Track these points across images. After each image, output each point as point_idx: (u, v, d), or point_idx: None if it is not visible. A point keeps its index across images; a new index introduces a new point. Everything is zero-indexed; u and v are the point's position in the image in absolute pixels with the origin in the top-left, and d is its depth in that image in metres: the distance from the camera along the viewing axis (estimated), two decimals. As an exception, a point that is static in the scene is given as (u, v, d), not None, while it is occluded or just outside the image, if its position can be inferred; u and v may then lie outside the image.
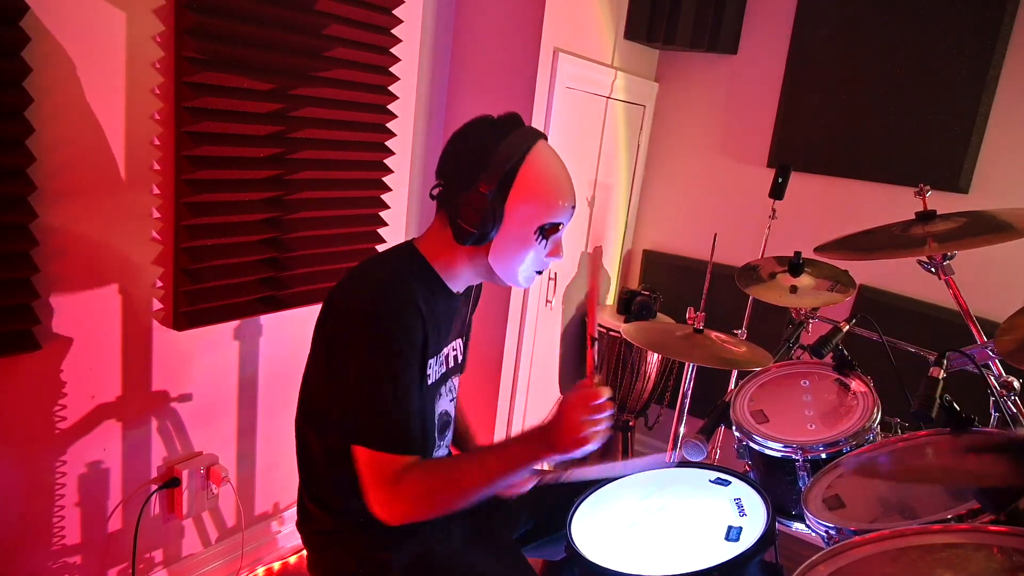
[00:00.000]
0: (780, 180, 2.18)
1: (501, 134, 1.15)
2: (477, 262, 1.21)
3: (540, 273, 1.26)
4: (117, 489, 1.75)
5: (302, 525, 1.31)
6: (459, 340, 1.34)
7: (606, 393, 1.10)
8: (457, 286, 1.26)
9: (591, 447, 1.09)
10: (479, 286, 1.42)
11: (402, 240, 2.33)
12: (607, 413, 1.10)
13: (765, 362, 1.73)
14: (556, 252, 1.23)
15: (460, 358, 1.36)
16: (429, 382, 1.20)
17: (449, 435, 1.35)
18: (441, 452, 1.32)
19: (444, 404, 1.30)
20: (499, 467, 1.11)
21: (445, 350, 1.26)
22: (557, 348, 2.72)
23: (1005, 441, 1.19)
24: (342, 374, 1.12)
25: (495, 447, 1.17)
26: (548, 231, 1.19)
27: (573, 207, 1.21)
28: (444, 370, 1.27)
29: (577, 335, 2.83)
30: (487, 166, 1.12)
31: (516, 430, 2.58)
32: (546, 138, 1.21)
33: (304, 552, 1.33)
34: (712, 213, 2.86)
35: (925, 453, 1.34)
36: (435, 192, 1.21)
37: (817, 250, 1.71)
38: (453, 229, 1.15)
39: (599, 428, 1.09)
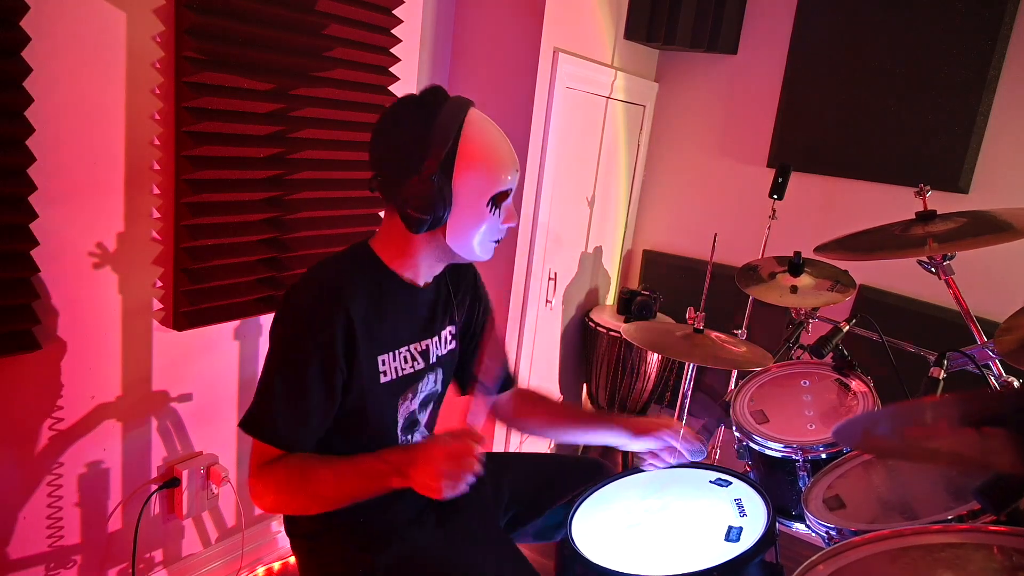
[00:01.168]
0: (780, 180, 2.18)
1: (431, 113, 1.11)
2: (434, 246, 1.20)
3: (498, 242, 1.24)
4: (117, 489, 1.75)
5: (289, 529, 1.31)
6: (439, 334, 1.30)
7: (479, 451, 1.07)
8: (420, 278, 1.24)
9: (445, 495, 1.04)
10: (465, 275, 1.38)
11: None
12: (471, 473, 1.05)
13: (765, 362, 1.73)
14: (510, 218, 1.22)
15: (443, 351, 1.32)
16: (384, 379, 1.19)
17: (418, 436, 1.32)
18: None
19: (412, 404, 1.28)
20: (352, 479, 1.11)
21: (410, 347, 1.24)
22: (557, 348, 2.72)
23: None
24: (264, 363, 1.14)
25: (355, 458, 1.12)
26: (499, 199, 1.17)
27: (517, 170, 1.19)
28: (414, 368, 1.25)
29: (577, 335, 2.83)
30: (426, 149, 1.09)
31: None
32: (473, 104, 1.17)
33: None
34: (712, 213, 2.86)
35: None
36: (374, 185, 1.17)
37: (817, 250, 1.71)
38: (405, 220, 1.12)
39: (457, 483, 1.04)
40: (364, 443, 1.18)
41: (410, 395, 1.27)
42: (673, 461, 1.37)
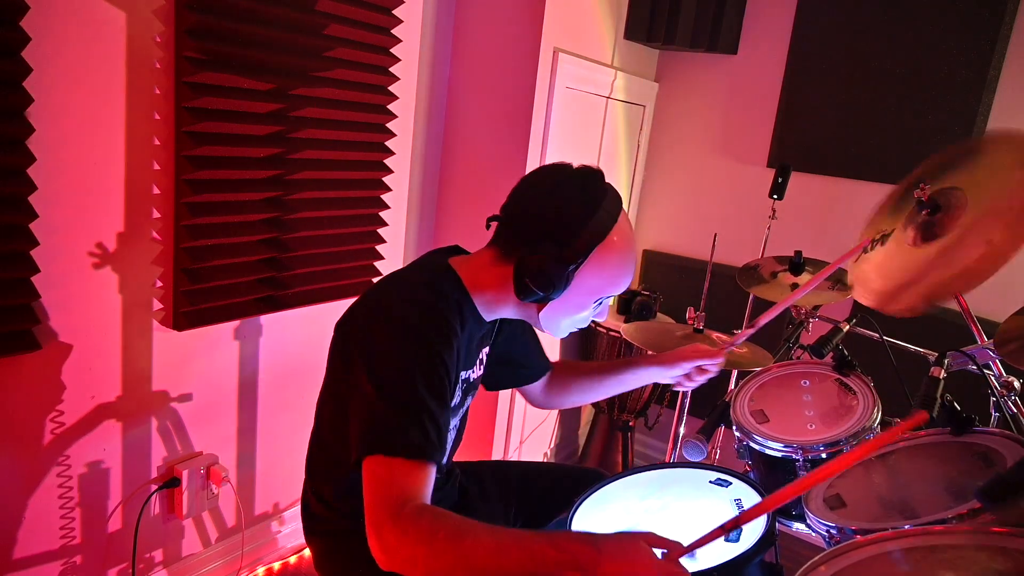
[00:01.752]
0: (780, 180, 2.18)
1: (591, 203, 1.09)
2: (523, 310, 1.19)
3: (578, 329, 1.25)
4: (117, 489, 1.75)
5: (308, 524, 1.31)
6: (475, 364, 1.30)
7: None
8: (489, 316, 1.22)
9: None
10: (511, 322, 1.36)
11: (399, 240, 2.35)
12: None
13: (765, 362, 1.73)
14: (602, 314, 1.24)
15: (477, 375, 1.33)
16: (453, 402, 1.17)
17: (448, 447, 1.32)
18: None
19: (455, 422, 1.29)
20: (515, 555, 0.90)
21: (464, 373, 1.24)
22: (557, 348, 2.72)
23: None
24: (373, 383, 1.02)
25: (522, 533, 0.94)
26: (605, 298, 1.19)
27: (632, 279, 1.20)
28: (461, 394, 1.24)
29: (577, 335, 2.83)
30: (574, 237, 1.08)
31: (515, 432, 2.58)
32: (622, 205, 1.16)
33: (305, 552, 1.33)
34: (712, 213, 2.86)
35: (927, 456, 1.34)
36: (499, 230, 1.16)
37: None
38: (516, 283, 1.10)
39: None
40: None
41: (455, 416, 1.28)
42: (703, 380, 1.45)
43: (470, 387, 1.31)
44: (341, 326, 1.16)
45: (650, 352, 1.49)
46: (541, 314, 1.17)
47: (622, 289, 1.18)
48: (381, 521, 0.93)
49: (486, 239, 1.22)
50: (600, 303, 1.20)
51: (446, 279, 1.16)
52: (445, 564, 0.90)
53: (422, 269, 1.20)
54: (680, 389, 1.50)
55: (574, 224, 1.08)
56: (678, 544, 0.94)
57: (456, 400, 1.20)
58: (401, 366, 1.02)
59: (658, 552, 0.92)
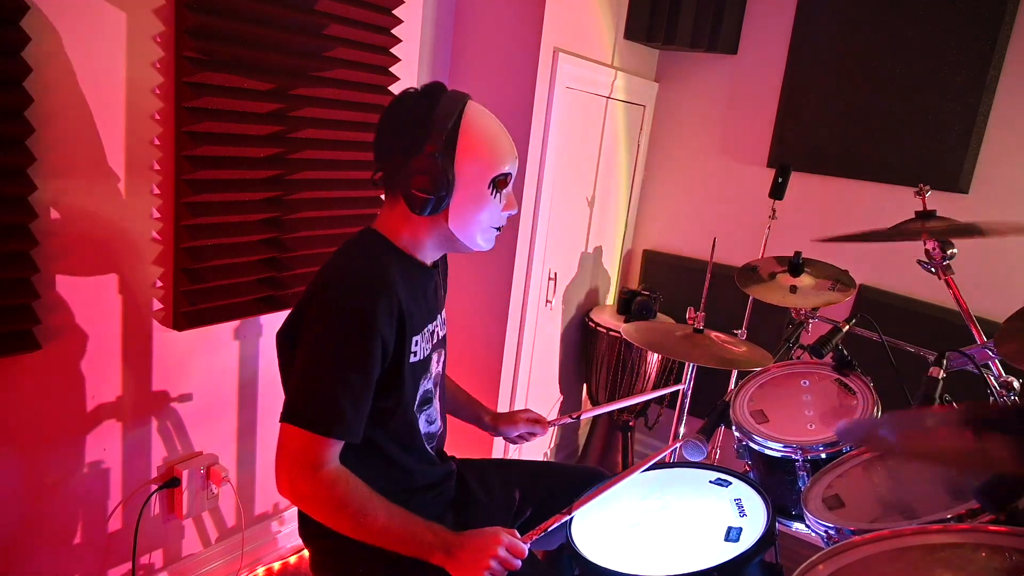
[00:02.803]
0: (780, 180, 2.18)
1: (433, 100, 1.16)
2: (437, 233, 1.23)
3: (499, 230, 1.27)
4: (117, 489, 1.75)
5: (304, 526, 1.31)
6: (440, 315, 1.35)
7: (524, 554, 1.15)
8: (428, 259, 1.27)
9: None
10: (444, 262, 1.42)
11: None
12: (511, 572, 1.13)
13: (765, 362, 1.73)
14: (511, 205, 1.25)
15: (443, 333, 1.37)
16: (413, 359, 1.21)
17: (429, 411, 1.34)
18: (421, 427, 1.32)
19: (427, 384, 1.31)
20: (400, 531, 1.12)
21: (429, 327, 1.27)
22: (557, 348, 2.72)
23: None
24: (303, 358, 1.13)
25: (412, 519, 1.15)
26: (499, 184, 1.21)
27: (516, 157, 1.23)
28: (429, 348, 1.28)
29: (577, 335, 2.83)
30: (428, 131, 1.13)
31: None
32: (471, 98, 1.22)
33: (304, 552, 1.33)
34: (712, 213, 2.86)
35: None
36: (377, 176, 1.22)
37: (817, 241, 1.70)
38: (408, 201, 1.16)
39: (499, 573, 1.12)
40: (389, 424, 1.21)
41: (426, 375, 1.29)
42: (523, 442, 1.65)
43: (439, 344, 1.34)
44: (287, 323, 1.20)
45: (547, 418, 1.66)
46: (451, 225, 1.20)
47: (507, 166, 1.20)
48: (296, 475, 1.11)
49: None
50: (498, 193, 1.21)
51: (366, 240, 1.22)
52: (341, 527, 1.12)
53: (348, 246, 1.23)
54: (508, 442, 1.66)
55: (422, 121, 1.14)
56: (513, 531, 1.16)
57: (421, 355, 1.23)
58: (323, 348, 1.11)
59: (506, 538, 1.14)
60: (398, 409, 1.22)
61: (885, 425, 0.75)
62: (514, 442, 1.65)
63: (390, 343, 1.14)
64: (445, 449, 1.46)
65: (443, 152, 1.13)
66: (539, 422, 1.64)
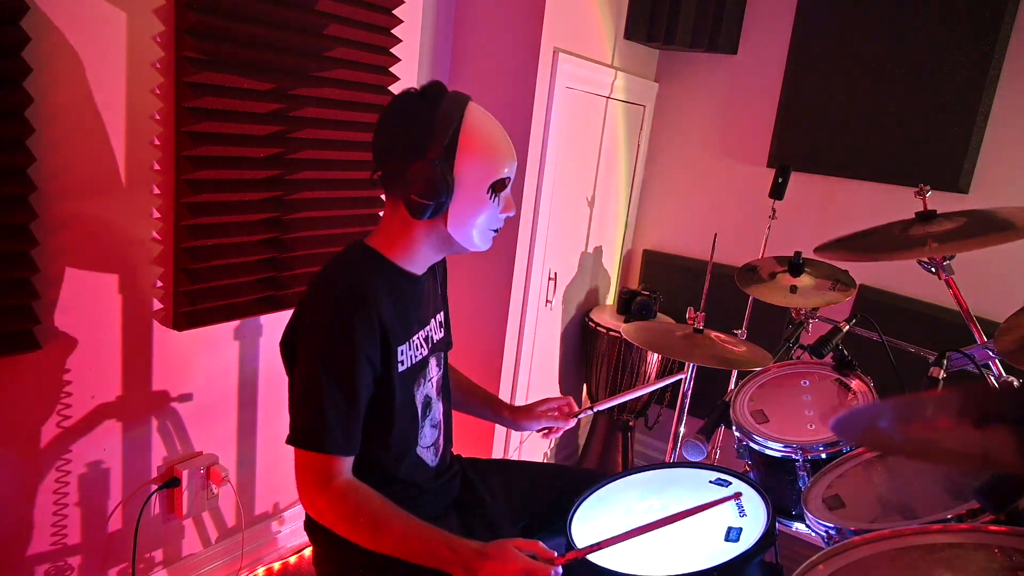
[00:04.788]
0: (780, 180, 2.18)
1: (433, 103, 1.15)
2: (435, 235, 1.22)
3: (496, 232, 1.27)
4: (117, 489, 1.75)
5: (310, 525, 1.31)
6: (434, 319, 1.35)
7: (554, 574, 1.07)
8: (418, 268, 1.27)
9: None
10: (442, 264, 1.43)
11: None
12: None
13: (765, 362, 1.73)
14: (508, 208, 1.25)
15: (439, 336, 1.37)
16: (401, 368, 1.22)
17: (433, 414, 1.35)
18: (425, 433, 1.32)
19: (426, 389, 1.31)
20: (416, 545, 1.11)
21: (417, 335, 1.27)
22: (557, 348, 2.72)
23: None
24: (297, 380, 1.17)
25: (427, 527, 1.13)
26: (498, 187, 1.20)
27: (515, 160, 1.23)
28: (421, 355, 1.28)
29: (577, 335, 2.83)
30: (429, 136, 1.13)
31: (515, 430, 2.58)
32: (471, 99, 1.23)
33: (305, 551, 1.34)
34: (712, 213, 2.86)
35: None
36: (376, 179, 1.21)
37: (817, 250, 1.71)
38: (408, 206, 1.15)
39: None
40: (387, 434, 1.22)
41: (421, 380, 1.30)
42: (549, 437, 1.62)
43: (436, 347, 1.35)
44: (284, 334, 1.22)
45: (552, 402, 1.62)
46: (450, 228, 1.20)
47: (505, 170, 1.20)
48: (311, 492, 1.14)
49: None
50: (497, 196, 1.21)
51: (363, 258, 1.22)
52: (360, 539, 1.13)
53: (336, 260, 1.23)
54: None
55: (423, 125, 1.13)
56: (537, 543, 1.11)
57: (409, 363, 1.24)
58: (310, 367, 1.13)
59: (525, 553, 1.09)
60: (393, 417, 1.22)
61: (883, 414, 0.75)
62: (545, 436, 1.62)
63: (375, 357, 1.16)
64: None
65: (444, 157, 1.13)
66: (560, 411, 1.60)
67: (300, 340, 1.16)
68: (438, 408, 1.37)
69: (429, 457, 1.34)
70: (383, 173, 1.20)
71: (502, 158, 1.19)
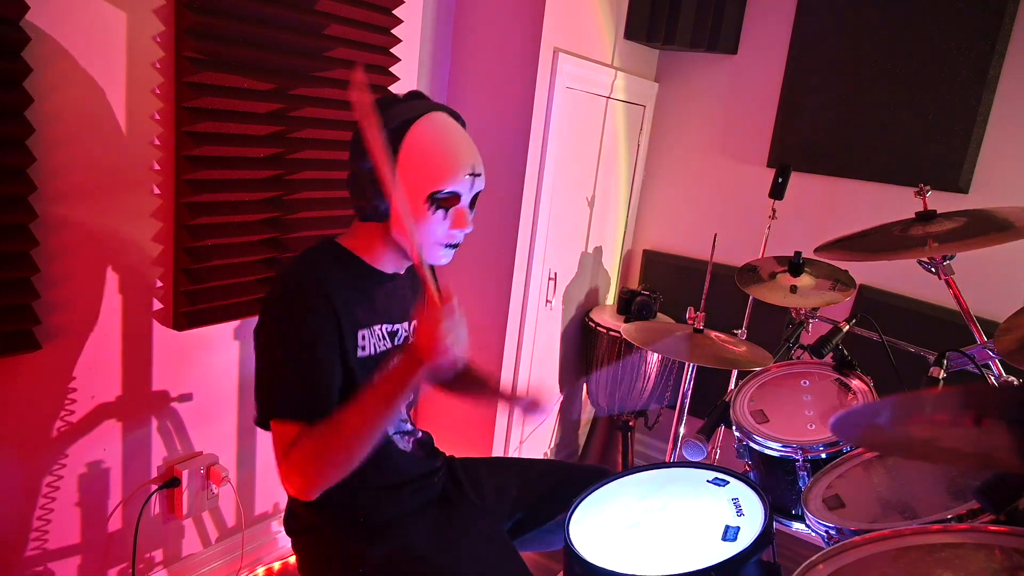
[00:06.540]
0: (780, 180, 2.18)
1: (383, 109, 1.15)
2: (388, 240, 1.24)
3: (454, 247, 1.26)
4: (117, 489, 1.75)
5: (289, 526, 1.32)
6: (404, 323, 1.34)
7: (450, 299, 1.11)
8: (386, 267, 1.28)
9: (456, 353, 1.10)
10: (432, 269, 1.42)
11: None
12: (457, 317, 1.11)
13: (765, 362, 1.73)
14: (459, 224, 1.22)
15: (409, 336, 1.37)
16: (362, 354, 1.22)
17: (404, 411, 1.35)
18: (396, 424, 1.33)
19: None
20: (376, 402, 1.10)
21: (383, 326, 1.28)
22: (557, 348, 2.72)
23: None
24: (257, 362, 1.17)
25: (368, 388, 1.13)
26: (442, 201, 1.19)
27: (471, 175, 1.21)
28: (385, 346, 1.28)
29: (577, 335, 2.83)
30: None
31: (515, 431, 2.58)
32: (450, 112, 1.23)
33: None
34: (712, 213, 2.86)
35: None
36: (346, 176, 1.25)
37: (817, 250, 1.71)
38: (354, 208, 1.21)
39: (457, 332, 1.10)
40: None
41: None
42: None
43: (394, 341, 1.33)
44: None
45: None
46: (392, 234, 1.22)
47: (446, 184, 1.18)
48: (284, 468, 1.10)
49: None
50: (441, 207, 1.19)
51: (323, 249, 1.25)
52: (337, 457, 1.08)
53: (306, 250, 1.25)
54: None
55: None
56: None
57: (373, 351, 1.24)
58: (265, 341, 1.16)
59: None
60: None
61: (882, 412, 0.75)
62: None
63: (328, 329, 1.15)
64: (444, 449, 1.46)
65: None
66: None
67: (259, 322, 1.18)
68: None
69: (398, 445, 1.33)
70: (348, 173, 1.23)
71: (444, 173, 1.18)
